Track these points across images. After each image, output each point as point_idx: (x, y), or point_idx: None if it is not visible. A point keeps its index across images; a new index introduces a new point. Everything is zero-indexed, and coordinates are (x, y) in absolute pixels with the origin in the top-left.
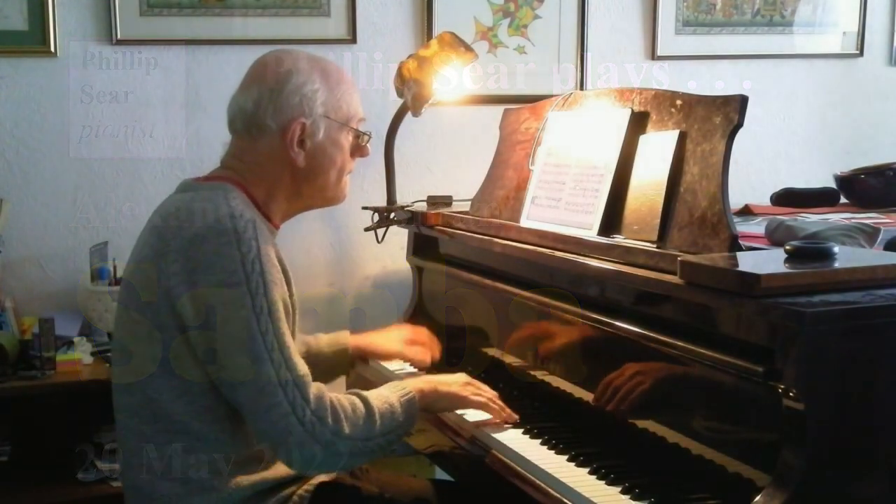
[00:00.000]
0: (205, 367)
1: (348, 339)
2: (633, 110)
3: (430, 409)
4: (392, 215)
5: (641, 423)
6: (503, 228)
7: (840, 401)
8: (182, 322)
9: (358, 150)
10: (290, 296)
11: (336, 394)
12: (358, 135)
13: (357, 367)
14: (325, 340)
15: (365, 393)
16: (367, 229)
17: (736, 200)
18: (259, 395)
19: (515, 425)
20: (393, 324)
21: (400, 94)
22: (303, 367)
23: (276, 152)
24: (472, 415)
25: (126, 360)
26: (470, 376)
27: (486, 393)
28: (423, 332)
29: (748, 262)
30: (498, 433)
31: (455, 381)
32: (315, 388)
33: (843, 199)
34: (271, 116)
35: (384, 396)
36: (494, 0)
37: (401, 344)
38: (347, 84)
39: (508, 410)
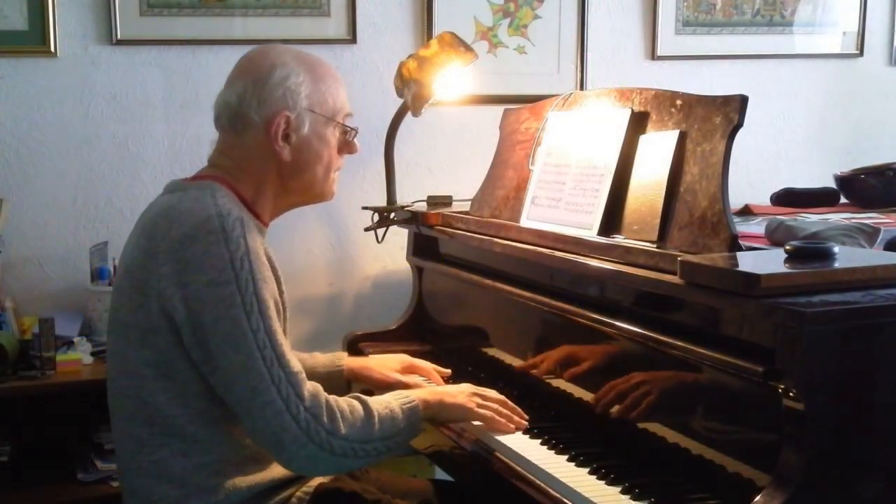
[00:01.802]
0: (199, 368)
1: (344, 360)
2: (633, 110)
3: (434, 420)
4: (392, 215)
5: (641, 423)
6: (503, 228)
7: (840, 401)
8: (174, 324)
9: (345, 145)
10: (281, 294)
11: (334, 395)
12: (345, 130)
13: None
14: (321, 360)
15: (366, 397)
16: (367, 229)
17: (736, 200)
18: (252, 393)
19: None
20: (393, 321)
21: (400, 94)
22: (296, 365)
23: (262, 147)
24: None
25: (119, 363)
26: (474, 384)
27: (493, 403)
28: (422, 363)
29: (748, 262)
30: (498, 434)
31: (461, 392)
32: (310, 385)
33: (843, 199)
34: (255, 110)
35: (386, 402)
36: (494, 0)
37: (397, 372)
38: (333, 78)
39: (517, 417)
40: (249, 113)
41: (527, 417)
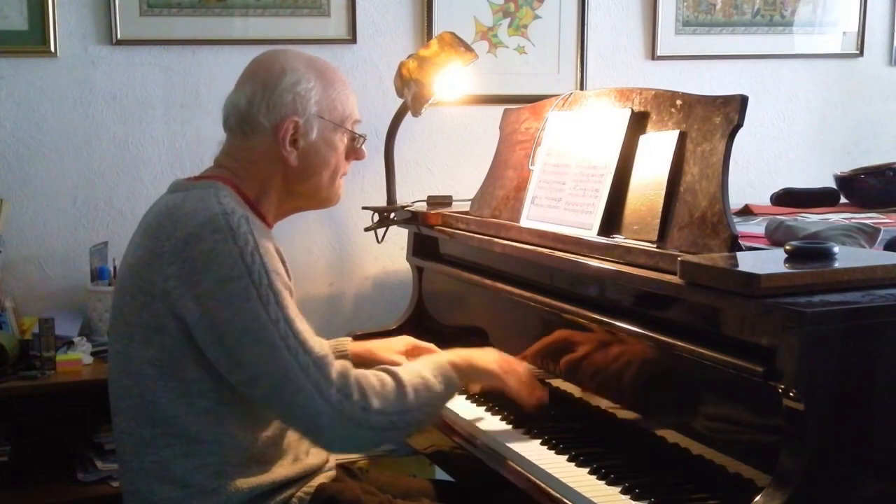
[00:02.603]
0: (217, 368)
1: (348, 345)
2: (633, 110)
3: (468, 381)
4: (392, 215)
5: (641, 423)
6: (503, 228)
7: (840, 401)
8: (183, 324)
9: (353, 152)
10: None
11: (363, 370)
12: (353, 137)
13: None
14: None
15: (394, 368)
16: (367, 229)
17: (736, 200)
18: (281, 383)
19: (516, 425)
20: (393, 321)
21: (400, 94)
22: (321, 349)
23: (269, 151)
24: (473, 413)
25: (122, 362)
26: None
27: (521, 370)
28: (426, 344)
29: (748, 262)
30: (498, 434)
31: (490, 357)
32: (339, 365)
33: (843, 199)
34: (264, 114)
35: (416, 371)
36: (494, 0)
37: (402, 355)
38: (343, 85)
39: (539, 392)
40: (258, 117)
41: (545, 396)
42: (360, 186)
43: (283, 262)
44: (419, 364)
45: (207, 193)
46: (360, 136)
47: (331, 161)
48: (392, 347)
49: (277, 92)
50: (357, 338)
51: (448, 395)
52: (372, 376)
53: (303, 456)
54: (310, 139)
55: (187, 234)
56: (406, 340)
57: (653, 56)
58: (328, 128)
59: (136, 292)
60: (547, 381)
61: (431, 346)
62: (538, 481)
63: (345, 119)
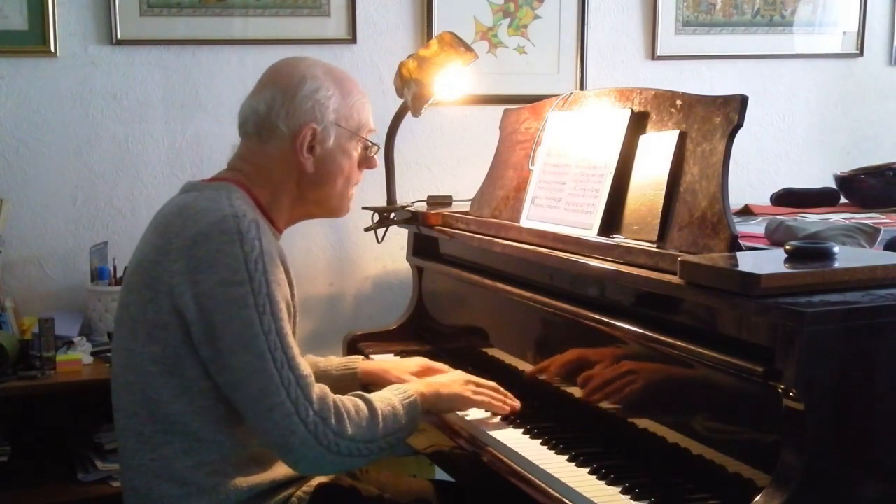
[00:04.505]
0: (207, 367)
1: (359, 364)
2: (633, 110)
3: (432, 411)
4: (392, 215)
5: (641, 423)
6: (503, 228)
7: (840, 401)
8: (184, 321)
9: (366, 161)
10: (292, 297)
11: (339, 395)
12: (367, 145)
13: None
14: (335, 363)
15: (368, 395)
16: (367, 229)
17: (736, 200)
18: (261, 394)
19: (516, 425)
20: (393, 321)
21: (400, 94)
22: (306, 368)
23: (286, 157)
24: (474, 413)
25: (126, 359)
26: (468, 373)
27: (486, 389)
28: (440, 366)
29: (748, 262)
30: (498, 433)
31: (455, 381)
32: (318, 388)
33: (843, 199)
34: (283, 120)
35: (387, 399)
36: (494, 0)
37: (415, 375)
38: (360, 94)
39: (510, 401)
40: (277, 122)
41: (518, 403)
42: (360, 186)
43: (288, 273)
44: (391, 392)
45: (220, 195)
46: (374, 144)
47: (345, 168)
48: (406, 368)
49: (297, 99)
50: (356, 338)
51: (410, 428)
52: (348, 401)
53: None
54: (326, 146)
55: (196, 233)
56: (419, 362)
57: (653, 56)
58: (344, 136)
59: (143, 289)
60: (547, 381)
61: (444, 366)
62: (538, 481)
63: (360, 127)
